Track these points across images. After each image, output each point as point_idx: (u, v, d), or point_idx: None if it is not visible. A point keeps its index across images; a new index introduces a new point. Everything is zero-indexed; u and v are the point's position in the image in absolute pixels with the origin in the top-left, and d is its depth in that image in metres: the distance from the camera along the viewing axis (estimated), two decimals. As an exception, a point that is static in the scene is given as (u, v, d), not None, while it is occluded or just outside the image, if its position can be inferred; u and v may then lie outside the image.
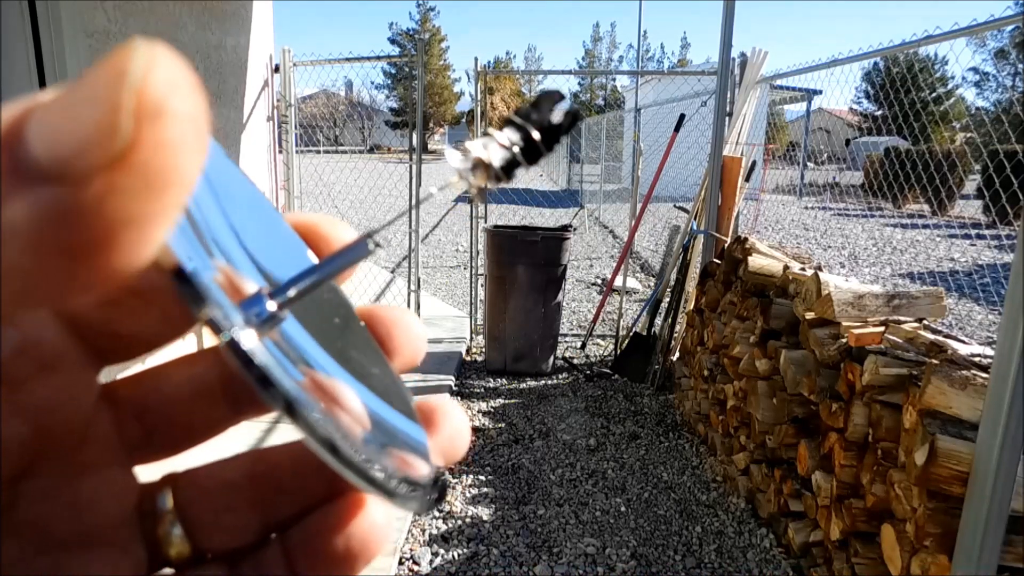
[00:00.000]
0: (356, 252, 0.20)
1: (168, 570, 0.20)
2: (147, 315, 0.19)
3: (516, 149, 0.20)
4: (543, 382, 4.12)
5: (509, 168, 0.20)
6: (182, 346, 0.21)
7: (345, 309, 0.25)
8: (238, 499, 0.21)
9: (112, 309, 0.19)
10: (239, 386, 0.21)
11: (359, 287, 5.12)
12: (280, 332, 0.19)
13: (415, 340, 0.25)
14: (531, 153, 0.20)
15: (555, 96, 0.21)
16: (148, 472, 0.21)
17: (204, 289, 0.16)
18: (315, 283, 0.19)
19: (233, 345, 0.16)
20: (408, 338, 0.25)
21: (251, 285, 0.19)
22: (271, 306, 0.18)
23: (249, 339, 0.16)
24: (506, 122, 0.20)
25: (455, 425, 0.23)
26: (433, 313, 5.19)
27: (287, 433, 0.23)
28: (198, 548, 0.20)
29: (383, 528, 0.21)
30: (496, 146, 0.20)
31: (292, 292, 0.19)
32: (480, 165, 0.19)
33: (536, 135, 0.20)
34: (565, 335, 4.93)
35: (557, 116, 0.20)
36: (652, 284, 6.51)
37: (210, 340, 0.16)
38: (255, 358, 0.16)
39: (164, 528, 0.20)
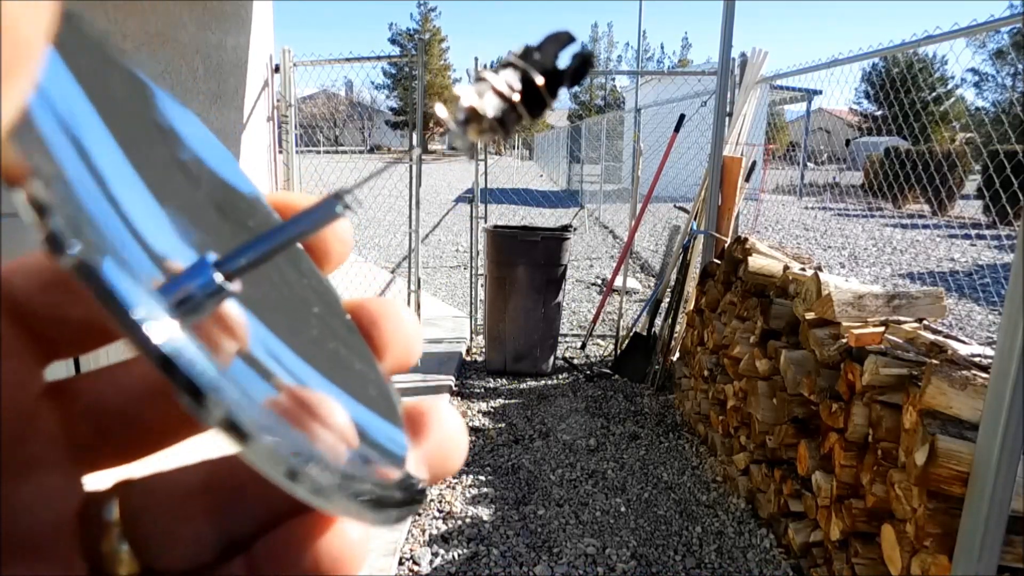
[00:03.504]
0: (322, 214, 0.17)
1: None
2: None
3: (516, 97, 0.17)
4: (543, 382, 4.12)
5: (506, 120, 0.17)
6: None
7: (327, 297, 0.22)
8: (194, 509, 0.18)
9: (60, 293, 0.17)
10: None
11: (359, 287, 5.12)
12: (251, 342, 0.16)
13: (407, 337, 0.22)
14: (533, 102, 0.17)
15: (563, 37, 0.18)
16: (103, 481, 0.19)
17: (50, 201, 0.13)
18: (272, 250, 0.16)
19: (86, 272, 0.12)
20: (398, 334, 0.22)
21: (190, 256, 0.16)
22: (218, 277, 0.15)
23: (150, 309, 0.13)
24: (505, 64, 0.17)
25: (447, 431, 0.20)
26: (433, 313, 5.19)
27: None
28: (148, 566, 0.18)
29: (359, 545, 0.18)
30: (492, 93, 0.17)
31: (244, 260, 0.16)
32: (473, 116, 0.17)
33: (539, 79, 0.17)
34: (565, 335, 4.93)
35: (564, 60, 0.18)
36: (652, 284, 6.51)
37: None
38: (129, 304, 0.12)
39: (110, 543, 0.18)
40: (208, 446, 0.19)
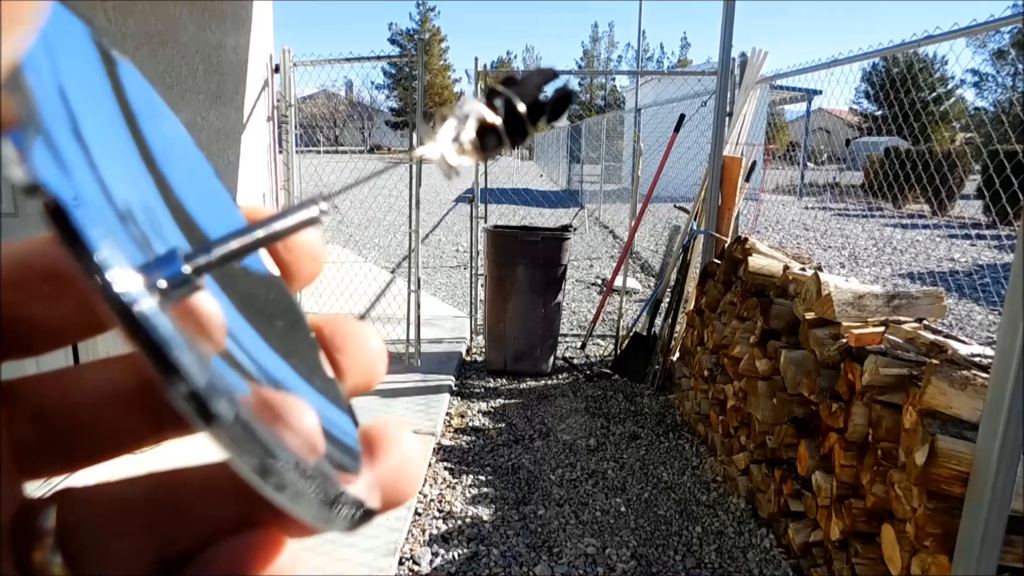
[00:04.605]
0: (301, 215, 0.17)
1: None
2: (60, 302, 0.17)
3: (498, 121, 0.18)
4: (543, 382, 4.12)
5: (488, 143, 0.18)
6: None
7: (292, 313, 0.21)
8: (133, 524, 0.18)
9: (16, 292, 0.17)
10: (163, 397, 0.19)
11: (359, 288, 5.11)
12: (228, 339, 0.16)
13: (369, 358, 0.21)
14: (515, 128, 0.18)
15: (547, 73, 0.19)
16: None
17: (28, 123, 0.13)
18: (245, 248, 0.16)
19: (56, 212, 0.12)
20: (361, 356, 0.21)
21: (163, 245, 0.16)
22: (186, 268, 0.15)
23: (129, 277, 0.13)
24: (490, 92, 0.18)
25: (402, 454, 0.19)
26: (433, 313, 5.19)
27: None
28: None
29: (290, 566, 0.18)
30: (475, 119, 0.18)
31: (215, 255, 0.15)
32: (457, 138, 0.18)
33: (522, 107, 0.18)
34: (565, 335, 4.93)
35: (546, 93, 0.19)
36: (652, 284, 6.51)
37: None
38: (110, 276, 0.13)
39: (42, 553, 0.17)
40: (157, 460, 0.18)
